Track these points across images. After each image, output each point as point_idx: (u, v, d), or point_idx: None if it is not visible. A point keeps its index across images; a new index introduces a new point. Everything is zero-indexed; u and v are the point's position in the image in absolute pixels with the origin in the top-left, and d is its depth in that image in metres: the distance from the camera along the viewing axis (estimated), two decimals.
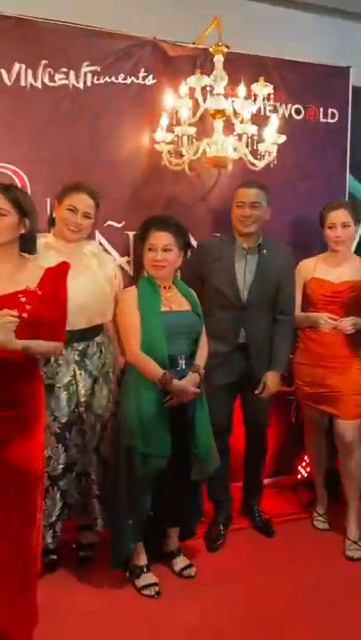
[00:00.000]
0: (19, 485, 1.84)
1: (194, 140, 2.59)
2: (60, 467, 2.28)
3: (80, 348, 2.29)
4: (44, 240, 2.29)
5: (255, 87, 2.62)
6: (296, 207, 3.13)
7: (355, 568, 2.49)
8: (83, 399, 2.30)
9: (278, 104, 3.10)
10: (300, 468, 3.12)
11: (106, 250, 2.72)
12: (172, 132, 2.61)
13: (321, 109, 3.21)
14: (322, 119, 3.22)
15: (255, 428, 2.71)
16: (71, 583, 2.32)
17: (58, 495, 2.28)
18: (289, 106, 3.14)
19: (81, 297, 2.23)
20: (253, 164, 2.72)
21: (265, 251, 2.55)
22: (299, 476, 3.11)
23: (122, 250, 2.84)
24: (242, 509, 2.87)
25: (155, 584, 2.27)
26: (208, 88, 2.64)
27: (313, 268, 2.68)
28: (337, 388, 2.57)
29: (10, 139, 2.61)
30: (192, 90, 2.65)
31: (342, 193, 3.28)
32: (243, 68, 2.92)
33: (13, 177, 2.62)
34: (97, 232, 2.79)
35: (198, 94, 2.56)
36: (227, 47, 2.67)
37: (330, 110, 3.24)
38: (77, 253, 2.31)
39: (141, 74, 2.81)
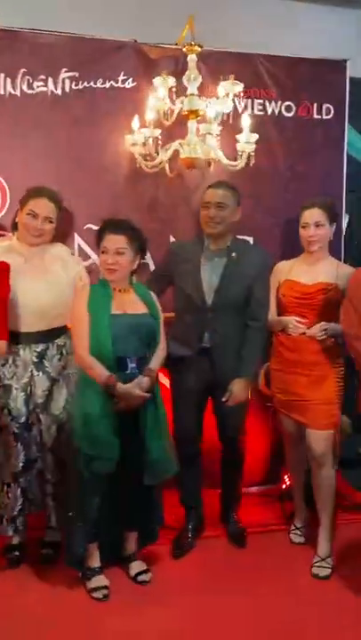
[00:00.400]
0: None
1: (160, 143, 2.56)
2: (20, 464, 2.33)
3: (39, 350, 2.34)
4: (7, 243, 2.37)
5: (225, 85, 2.56)
6: (287, 208, 3.01)
7: (320, 587, 2.36)
8: (39, 400, 2.34)
9: (268, 102, 3.01)
10: (285, 477, 3.00)
11: (84, 252, 2.77)
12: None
13: (315, 105, 3.09)
14: (315, 115, 3.10)
15: (227, 435, 2.64)
16: (28, 580, 2.36)
17: (18, 492, 2.34)
18: (279, 103, 3.04)
19: (40, 300, 2.29)
20: (231, 165, 2.67)
21: (234, 254, 2.48)
22: (283, 486, 3.00)
23: None
24: (221, 517, 2.81)
25: (105, 587, 2.27)
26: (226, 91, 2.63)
27: (288, 270, 2.58)
28: (307, 396, 2.46)
29: None
30: (171, 91, 2.64)
31: (339, 192, 3.13)
32: (229, 66, 2.88)
33: None
34: (76, 235, 2.85)
35: (166, 96, 2.54)
36: (200, 46, 2.64)
37: (325, 106, 3.11)
38: (40, 257, 2.36)
39: (121, 77, 2.83)
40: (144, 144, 2.61)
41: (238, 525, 2.72)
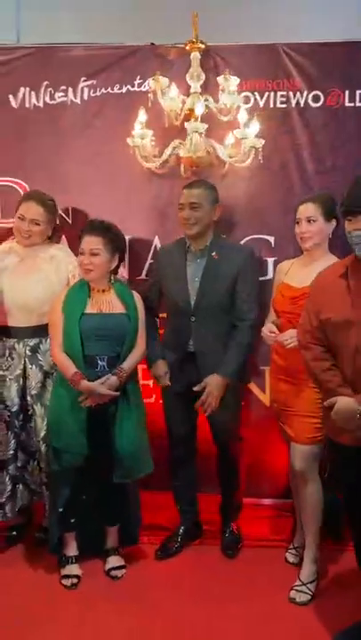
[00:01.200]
0: None
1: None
2: (10, 452, 2.49)
3: (31, 344, 2.49)
4: (8, 245, 2.57)
5: (220, 80, 2.49)
6: None
7: (295, 613, 2.19)
8: (33, 392, 2.48)
9: (292, 93, 2.85)
10: None
11: None
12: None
13: (346, 93, 2.84)
14: (347, 103, 2.85)
15: (218, 439, 2.56)
16: (16, 558, 2.52)
17: (7, 479, 2.49)
18: (305, 93, 2.85)
19: (28, 296, 2.44)
20: (237, 163, 2.60)
21: (214, 253, 2.41)
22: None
23: None
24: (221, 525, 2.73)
25: (75, 576, 2.35)
26: (221, 87, 2.62)
27: (285, 271, 2.43)
28: (294, 406, 2.29)
29: (15, 155, 2.94)
30: (186, 90, 2.63)
31: None
32: (248, 59, 2.79)
33: (19, 189, 2.94)
34: None
35: (159, 96, 2.54)
36: (203, 43, 2.60)
37: (358, 92, 2.84)
38: (33, 256, 2.51)
39: (137, 81, 2.87)
40: (147, 144, 2.63)
41: (233, 535, 2.63)
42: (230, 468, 2.60)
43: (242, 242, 2.87)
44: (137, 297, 2.38)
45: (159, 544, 2.59)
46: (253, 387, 2.88)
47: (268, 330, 2.28)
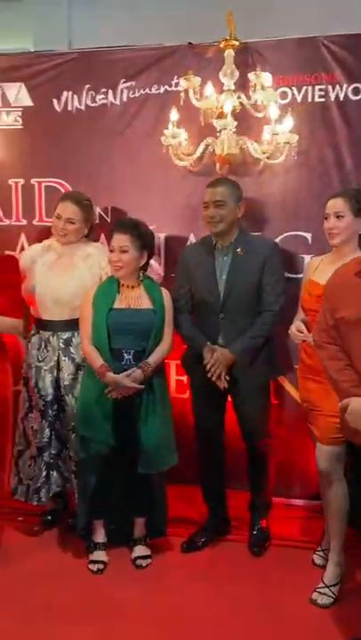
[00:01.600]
0: None
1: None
2: (45, 439, 2.60)
3: (65, 337, 2.59)
4: (47, 242, 2.70)
5: (251, 77, 2.49)
6: None
7: (315, 614, 2.16)
8: (66, 383, 2.59)
9: (330, 87, 2.79)
10: None
11: None
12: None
13: None
14: None
15: (247, 438, 2.56)
16: (50, 542, 2.64)
17: (42, 465, 2.60)
18: (344, 87, 2.78)
19: (61, 292, 2.56)
20: (270, 159, 2.60)
21: (239, 249, 2.41)
22: None
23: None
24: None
25: (102, 562, 2.43)
26: (252, 84, 2.63)
27: (314, 268, 2.39)
28: (320, 406, 2.26)
29: (58, 157, 3.07)
30: (219, 87, 2.65)
31: None
32: (287, 54, 2.78)
33: (62, 190, 3.06)
34: None
35: (191, 95, 2.57)
36: (237, 40, 2.60)
37: None
38: (69, 254, 2.62)
39: (174, 80, 2.91)
40: (180, 143, 2.67)
41: (261, 533, 2.62)
42: (259, 466, 2.59)
43: (278, 239, 2.85)
44: (165, 293, 2.43)
45: (186, 537, 2.62)
46: (287, 384, 2.85)
47: (296, 328, 2.26)
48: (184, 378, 2.81)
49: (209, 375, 2.36)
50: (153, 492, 2.45)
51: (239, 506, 2.72)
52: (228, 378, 2.38)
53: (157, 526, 2.51)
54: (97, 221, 2.97)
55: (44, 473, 2.60)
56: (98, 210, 3.00)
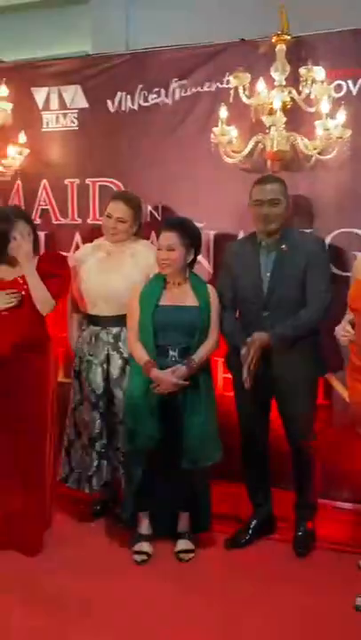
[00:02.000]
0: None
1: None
2: (96, 430, 2.69)
3: (114, 332, 2.67)
4: (97, 242, 2.78)
5: (302, 72, 2.45)
6: None
7: (357, 620, 2.12)
8: (114, 376, 2.67)
9: None
10: None
11: None
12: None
13: None
14: None
15: (291, 438, 2.53)
16: (98, 531, 2.73)
17: (94, 454, 2.70)
18: None
19: (111, 288, 2.63)
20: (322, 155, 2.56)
21: (284, 246, 2.38)
22: None
23: (203, 248, 3.02)
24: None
25: (145, 553, 2.48)
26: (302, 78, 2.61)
27: None
28: None
29: (112, 157, 3.15)
30: (271, 83, 2.63)
31: None
32: (341, 46, 2.72)
33: (114, 189, 3.14)
34: None
35: (240, 92, 2.56)
36: (288, 35, 2.57)
37: None
38: (118, 252, 2.69)
39: (226, 78, 2.91)
40: (230, 140, 2.67)
41: (307, 534, 2.59)
42: (303, 467, 2.56)
43: (330, 236, 2.80)
44: (211, 290, 2.44)
45: (230, 534, 2.63)
46: (336, 383, 2.79)
47: (342, 329, 2.21)
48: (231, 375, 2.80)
49: (244, 365, 2.32)
50: (197, 488, 2.47)
51: (286, 505, 2.69)
52: (257, 367, 2.32)
53: (201, 521, 2.53)
54: (148, 219, 3.04)
55: (96, 462, 2.69)
56: (149, 208, 3.05)
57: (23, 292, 2.44)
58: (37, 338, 2.52)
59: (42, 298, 2.45)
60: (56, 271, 2.51)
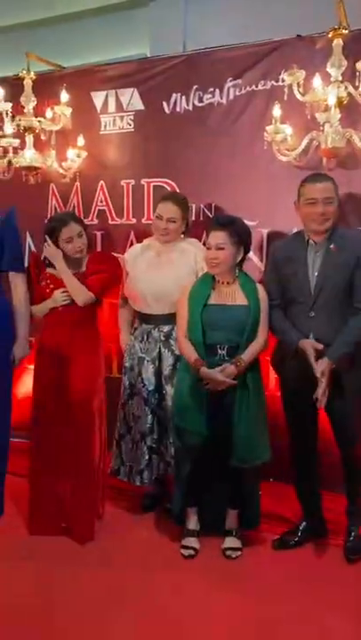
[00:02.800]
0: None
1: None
2: (147, 425, 2.75)
3: (165, 330, 2.72)
4: (146, 242, 2.85)
5: (359, 66, 2.40)
6: None
7: None
8: (165, 373, 2.72)
9: None
10: None
11: None
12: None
13: None
14: None
15: (339, 440, 2.48)
16: (146, 523, 2.78)
17: (145, 449, 2.76)
18: None
19: (161, 287, 2.68)
20: None
21: (332, 245, 2.33)
22: None
23: (256, 247, 3.02)
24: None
25: (193, 548, 2.52)
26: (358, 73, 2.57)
27: None
28: None
29: (166, 157, 3.20)
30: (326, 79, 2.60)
31: None
32: None
33: (168, 189, 3.19)
34: None
35: (295, 89, 2.54)
36: (346, 29, 2.53)
37: None
38: (168, 251, 2.74)
39: (281, 75, 2.89)
40: (284, 138, 2.66)
41: (357, 540, 2.53)
42: (353, 472, 2.50)
43: None
44: (261, 289, 2.44)
45: (279, 534, 2.62)
46: None
47: None
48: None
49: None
50: (246, 486, 2.48)
51: (338, 509, 2.64)
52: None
53: (250, 519, 2.54)
54: (201, 218, 3.07)
55: (147, 457, 2.75)
56: (201, 207, 3.08)
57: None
58: (89, 333, 2.63)
59: (75, 291, 2.58)
60: (100, 267, 2.62)
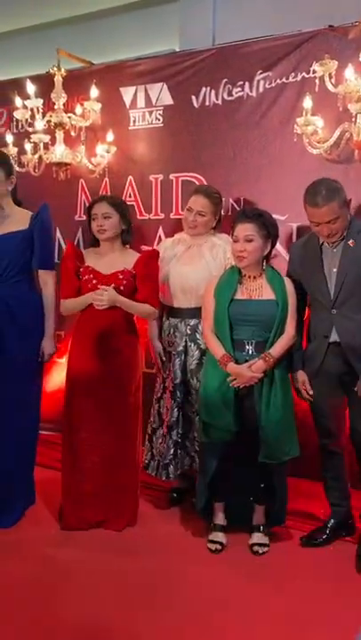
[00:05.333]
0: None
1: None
2: (173, 419, 2.75)
3: (192, 324, 2.72)
4: (177, 236, 2.85)
5: None
6: None
7: None
8: (191, 367, 2.72)
9: None
10: None
11: None
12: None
13: None
14: None
15: (355, 439, 2.44)
16: (173, 517, 2.79)
17: (171, 443, 2.77)
18: None
19: (190, 281, 2.69)
20: None
21: (350, 240, 2.28)
22: None
23: (285, 241, 2.99)
24: None
25: (220, 543, 2.50)
26: None
27: None
28: None
29: (194, 152, 3.19)
30: (359, 70, 2.55)
31: None
32: None
33: (197, 183, 3.18)
34: None
35: (326, 80, 2.50)
36: None
37: None
38: (197, 245, 2.74)
39: (312, 67, 2.84)
40: (315, 130, 2.62)
41: None
42: None
43: None
44: (288, 283, 2.41)
45: (306, 531, 2.59)
46: None
47: None
48: None
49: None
50: (273, 481, 2.45)
51: None
52: None
53: (277, 515, 2.52)
54: (230, 213, 3.05)
55: (172, 451, 2.75)
56: (230, 201, 3.06)
57: (122, 287, 2.53)
58: (128, 329, 2.62)
59: (143, 314, 2.60)
60: (147, 271, 2.58)
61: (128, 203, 3.33)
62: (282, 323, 2.34)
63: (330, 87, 2.52)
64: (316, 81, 2.58)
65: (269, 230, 2.37)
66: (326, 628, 2.04)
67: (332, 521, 2.58)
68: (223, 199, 3.00)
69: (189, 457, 2.78)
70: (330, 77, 2.52)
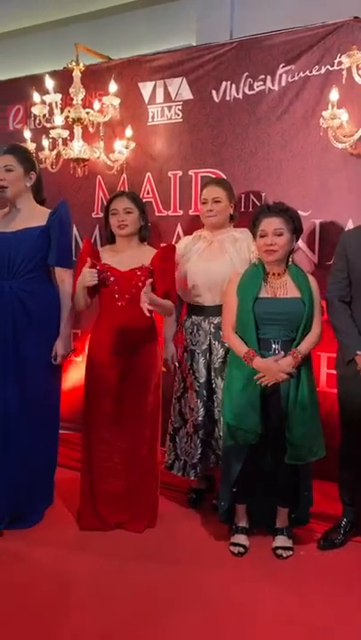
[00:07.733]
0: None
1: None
2: (200, 418, 2.69)
3: (215, 322, 2.66)
4: (197, 233, 2.79)
5: None
6: None
7: None
8: (216, 365, 2.66)
9: None
10: None
11: None
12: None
13: None
14: None
15: None
16: (193, 521, 2.73)
17: (198, 442, 2.71)
18: None
19: (211, 277, 2.63)
20: None
21: None
22: None
23: (307, 237, 2.94)
24: None
25: (242, 546, 2.45)
26: None
27: None
28: None
29: (214, 147, 3.14)
30: None
31: None
32: None
33: None
34: None
35: (353, 72, 2.43)
36: None
37: None
38: (219, 240, 2.68)
39: (337, 59, 2.79)
40: (341, 124, 2.56)
41: None
42: None
43: None
44: (313, 281, 2.35)
45: (322, 534, 2.53)
46: None
47: None
48: (335, 371, 2.68)
49: None
50: (299, 483, 2.39)
51: None
52: None
53: (301, 515, 2.47)
54: (250, 209, 2.99)
55: (200, 450, 2.70)
56: (251, 197, 3.01)
57: (140, 284, 2.47)
58: (148, 326, 2.58)
59: (167, 312, 2.58)
60: (164, 265, 2.53)
61: (146, 199, 3.31)
62: (309, 321, 2.29)
63: (357, 79, 2.45)
64: (343, 72, 2.52)
65: (296, 224, 2.31)
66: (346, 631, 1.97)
67: (345, 520, 2.52)
68: (243, 195, 2.96)
69: (215, 454, 2.72)
70: (357, 69, 2.46)
